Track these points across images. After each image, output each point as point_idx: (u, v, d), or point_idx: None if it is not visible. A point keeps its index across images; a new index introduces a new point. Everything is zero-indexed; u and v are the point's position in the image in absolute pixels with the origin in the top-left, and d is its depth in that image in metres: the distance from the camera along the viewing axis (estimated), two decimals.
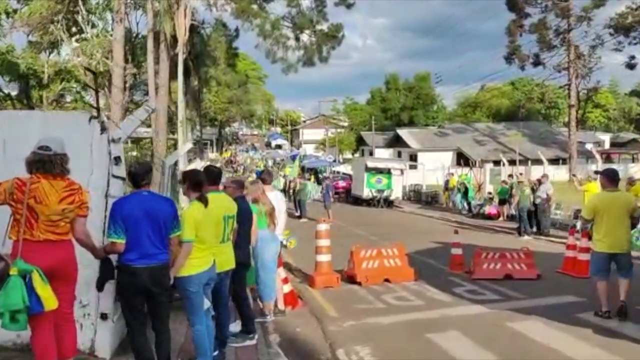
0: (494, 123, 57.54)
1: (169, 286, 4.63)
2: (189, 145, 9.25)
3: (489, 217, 22.68)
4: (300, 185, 23.36)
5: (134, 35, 45.89)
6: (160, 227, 4.46)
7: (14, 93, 56.17)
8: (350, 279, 9.99)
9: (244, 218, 6.17)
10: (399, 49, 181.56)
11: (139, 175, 4.52)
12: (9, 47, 50.96)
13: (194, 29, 34.68)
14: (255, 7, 31.12)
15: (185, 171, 5.01)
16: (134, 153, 43.09)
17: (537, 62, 40.46)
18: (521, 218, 17.25)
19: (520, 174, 20.25)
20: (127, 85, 48.06)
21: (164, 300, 4.60)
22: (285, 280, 8.45)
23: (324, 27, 31.56)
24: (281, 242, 14.84)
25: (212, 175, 5.57)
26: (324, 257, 9.82)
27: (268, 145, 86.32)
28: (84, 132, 5.05)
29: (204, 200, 4.89)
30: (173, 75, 34.31)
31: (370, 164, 29.91)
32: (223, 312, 5.65)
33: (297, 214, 23.43)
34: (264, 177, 8.19)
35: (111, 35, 49.46)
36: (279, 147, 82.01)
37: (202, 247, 4.89)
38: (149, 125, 32.83)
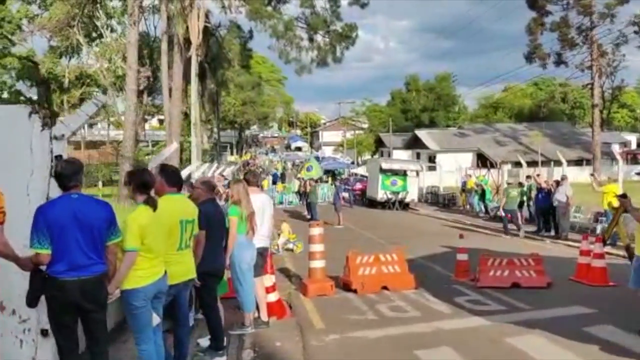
0: (515, 123, 56.34)
1: (105, 302, 4.13)
2: (175, 146, 8.81)
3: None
4: (311, 188, 22.82)
5: (152, 39, 46.09)
6: (94, 234, 3.95)
7: (35, 97, 56.98)
8: (346, 287, 9.43)
9: (214, 223, 5.67)
10: (421, 51, 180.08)
11: (65, 175, 4.01)
12: (29, 51, 51.69)
13: (208, 32, 34.53)
14: (269, 8, 30.82)
15: (130, 171, 4.52)
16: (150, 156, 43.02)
17: (559, 61, 39.36)
18: (504, 218, 17.87)
19: (533, 176, 19.43)
20: (143, 88, 48.18)
21: (99, 319, 4.09)
22: (272, 289, 7.94)
23: (338, 27, 31.16)
24: (287, 246, 14.47)
25: (170, 176, 5.08)
26: (317, 264, 9.28)
27: (288, 147, 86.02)
28: (23, 129, 4.59)
29: (152, 204, 4.40)
30: (189, 78, 34.26)
31: (385, 166, 29.23)
32: (182, 327, 5.14)
33: (308, 216, 22.95)
34: (248, 177, 7.67)
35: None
36: (298, 149, 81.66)
37: (149, 257, 4.39)
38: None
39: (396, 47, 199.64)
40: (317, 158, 53.95)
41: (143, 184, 4.46)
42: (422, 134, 51.09)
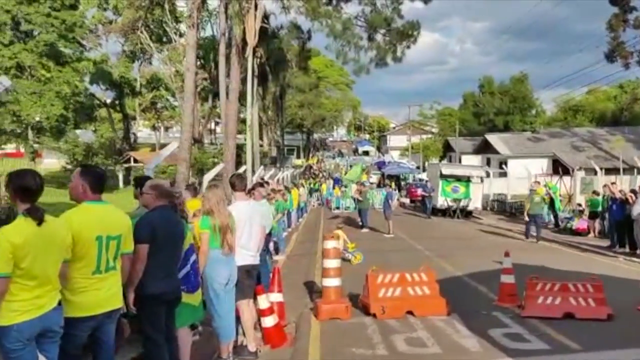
0: (595, 128, 52.46)
1: None
2: (175, 145, 7.79)
3: (578, 232, 19.76)
4: (361, 192, 21.58)
5: (217, 42, 46.34)
6: None
7: (108, 101, 58.94)
8: (366, 309, 8.18)
9: (162, 236, 4.56)
10: (498, 53, 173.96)
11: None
12: (103, 56, 53.42)
13: (267, 34, 34.01)
14: (329, 8, 29.84)
15: (11, 173, 3.56)
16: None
17: None
18: (529, 223, 18.21)
19: (608, 185, 17.36)
20: (208, 91, 48.44)
21: None
22: (269, 311, 6.83)
23: (399, 25, 29.69)
24: (344, 256, 13.22)
25: (96, 180, 4.06)
26: (331, 282, 8.07)
27: (355, 151, 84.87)
28: None
29: (35, 216, 3.40)
30: (252, 81, 33.86)
31: (446, 171, 27.52)
32: None
33: (360, 223, 21.74)
34: (234, 181, 6.60)
35: (201, 43, 50.49)
36: (366, 153, 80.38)
37: (29, 285, 3.38)
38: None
39: (472, 49, 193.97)
40: (382, 163, 52.58)
41: (23, 189, 3.47)
42: (492, 138, 48.44)
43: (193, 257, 5.26)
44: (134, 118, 65.94)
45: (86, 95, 52.14)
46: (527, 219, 18.35)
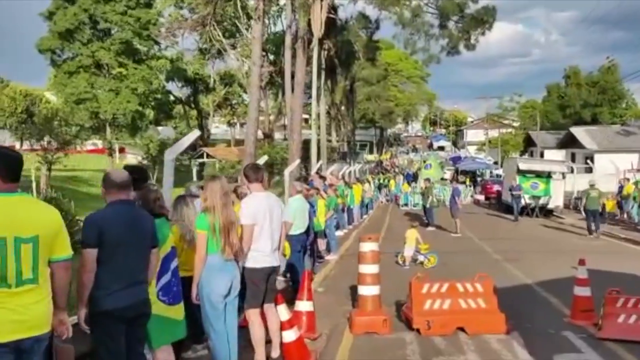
0: None
1: None
2: (197, 133, 6.95)
3: None
4: (427, 188, 20.24)
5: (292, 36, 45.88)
6: None
7: (183, 97, 60.18)
8: (409, 323, 7.07)
9: (114, 238, 3.65)
10: (585, 43, 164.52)
11: None
12: (178, 54, 54.49)
13: (334, 25, 33.08)
14: None
15: None
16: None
17: None
18: (587, 218, 18.36)
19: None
20: (269, 84, 48.14)
21: None
22: (289, 325, 5.89)
23: (472, 10, 27.95)
24: (417, 259, 12.11)
25: (8, 166, 3.10)
26: (368, 290, 7.00)
27: (430, 146, 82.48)
28: None
29: None
30: (318, 74, 33.10)
31: (523, 166, 25.51)
32: None
33: (425, 221, 20.44)
34: (248, 172, 5.67)
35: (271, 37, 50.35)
36: (441, 148, 77.87)
37: None
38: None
39: (557, 40, 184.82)
40: (457, 158, 50.49)
41: None
42: (578, 131, 45.23)
43: (174, 263, 4.40)
44: (209, 114, 67.03)
45: (163, 93, 53.39)
46: (583, 214, 18.66)
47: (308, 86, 31.92)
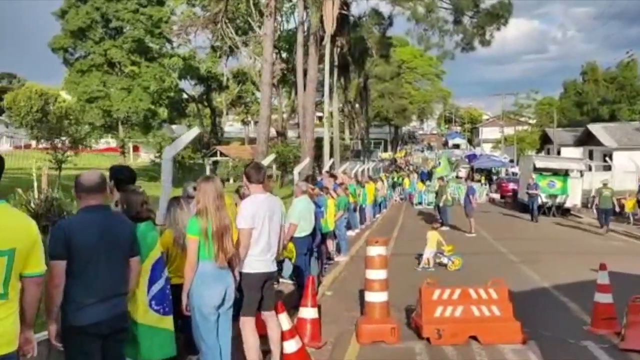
0: None
1: None
2: (196, 131, 6.59)
3: None
4: (441, 187, 19.80)
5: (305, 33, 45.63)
6: None
7: (196, 96, 60.12)
8: (419, 331, 6.70)
9: (87, 247, 3.36)
10: (604, 39, 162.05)
11: None
12: (191, 52, 54.43)
13: (347, 22, 32.66)
14: None
15: None
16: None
17: None
18: (599, 216, 18.95)
19: None
20: (282, 82, 47.80)
21: None
22: (290, 335, 5.56)
23: (487, 5, 27.39)
24: (440, 261, 11.63)
25: None
26: (376, 297, 6.63)
27: (445, 144, 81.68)
28: None
29: None
30: (331, 72, 32.71)
31: (540, 164, 24.93)
32: None
33: (439, 220, 19.98)
34: (249, 172, 5.31)
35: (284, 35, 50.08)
36: (456, 146, 77.07)
37: None
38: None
39: (575, 36, 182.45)
40: (472, 156, 49.84)
41: None
42: (596, 128, 44.34)
43: (166, 271, 4.08)
44: (225, 113, 66.92)
45: (176, 91, 53.34)
46: (594, 211, 19.55)
47: (321, 84, 31.52)
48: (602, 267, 7.31)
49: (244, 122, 74.33)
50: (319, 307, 8.61)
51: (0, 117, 72.80)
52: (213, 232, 4.47)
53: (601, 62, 62.57)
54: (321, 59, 30.05)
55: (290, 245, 8.06)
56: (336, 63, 33.80)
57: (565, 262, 12.42)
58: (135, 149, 64.06)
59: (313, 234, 8.39)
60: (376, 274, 6.64)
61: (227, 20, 37.22)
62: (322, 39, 29.35)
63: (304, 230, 8.12)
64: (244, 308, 4.98)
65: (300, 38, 30.72)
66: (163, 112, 52.41)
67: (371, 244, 6.77)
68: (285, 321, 5.55)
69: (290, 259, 8.29)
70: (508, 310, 6.67)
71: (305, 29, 32.08)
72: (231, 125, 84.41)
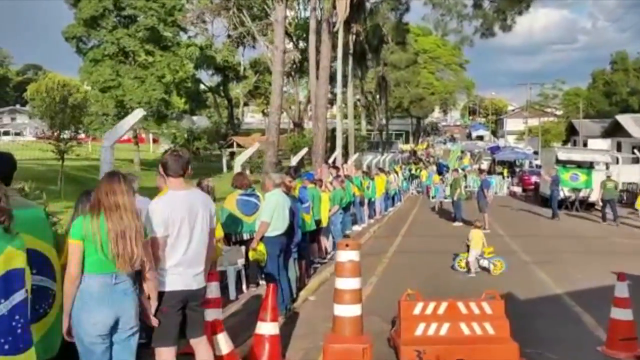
0: None
1: None
2: (141, 113, 5.57)
3: None
4: (456, 180, 18.62)
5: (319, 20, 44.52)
6: None
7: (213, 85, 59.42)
8: (397, 352, 5.67)
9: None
10: (635, 30, 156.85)
11: None
12: (207, 41, 53.64)
13: (363, 8, 31.46)
14: None
15: None
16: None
17: None
18: (603, 207, 19.16)
19: None
20: (299, 71, 46.88)
21: None
22: (231, 358, 4.57)
23: None
24: (480, 266, 10.49)
25: None
26: (346, 310, 5.59)
27: (468, 136, 79.82)
28: None
29: None
30: (346, 60, 31.58)
31: (563, 156, 23.51)
32: None
33: (453, 215, 18.87)
34: (166, 161, 4.16)
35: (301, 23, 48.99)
36: (479, 138, 75.19)
37: None
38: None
39: (605, 26, 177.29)
40: (495, 147, 48.32)
41: None
42: (625, 119, 42.41)
43: (20, 294, 3.08)
44: (242, 103, 66.15)
45: (193, 81, 52.62)
46: (600, 203, 19.57)
47: (335, 73, 30.41)
48: (621, 277, 6.16)
49: (264, 113, 73.64)
50: (296, 316, 7.66)
51: (24, 108, 73.32)
52: (105, 235, 3.49)
53: (631, 52, 60.03)
54: (334, 47, 28.91)
55: (261, 247, 7.08)
56: (351, 51, 32.65)
57: (584, 264, 11.24)
58: (155, 140, 63.72)
59: (289, 233, 7.37)
60: (346, 283, 5.61)
61: (241, 7, 36.26)
62: (335, 25, 28.22)
63: (276, 228, 7.10)
64: (156, 336, 3.98)
65: (313, 25, 29.61)
66: (178, 102, 51.72)
67: (341, 247, 5.73)
68: (224, 343, 4.58)
69: (259, 262, 7.32)
70: (504, 328, 5.59)
71: (319, 15, 30.95)
72: (252, 117, 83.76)
